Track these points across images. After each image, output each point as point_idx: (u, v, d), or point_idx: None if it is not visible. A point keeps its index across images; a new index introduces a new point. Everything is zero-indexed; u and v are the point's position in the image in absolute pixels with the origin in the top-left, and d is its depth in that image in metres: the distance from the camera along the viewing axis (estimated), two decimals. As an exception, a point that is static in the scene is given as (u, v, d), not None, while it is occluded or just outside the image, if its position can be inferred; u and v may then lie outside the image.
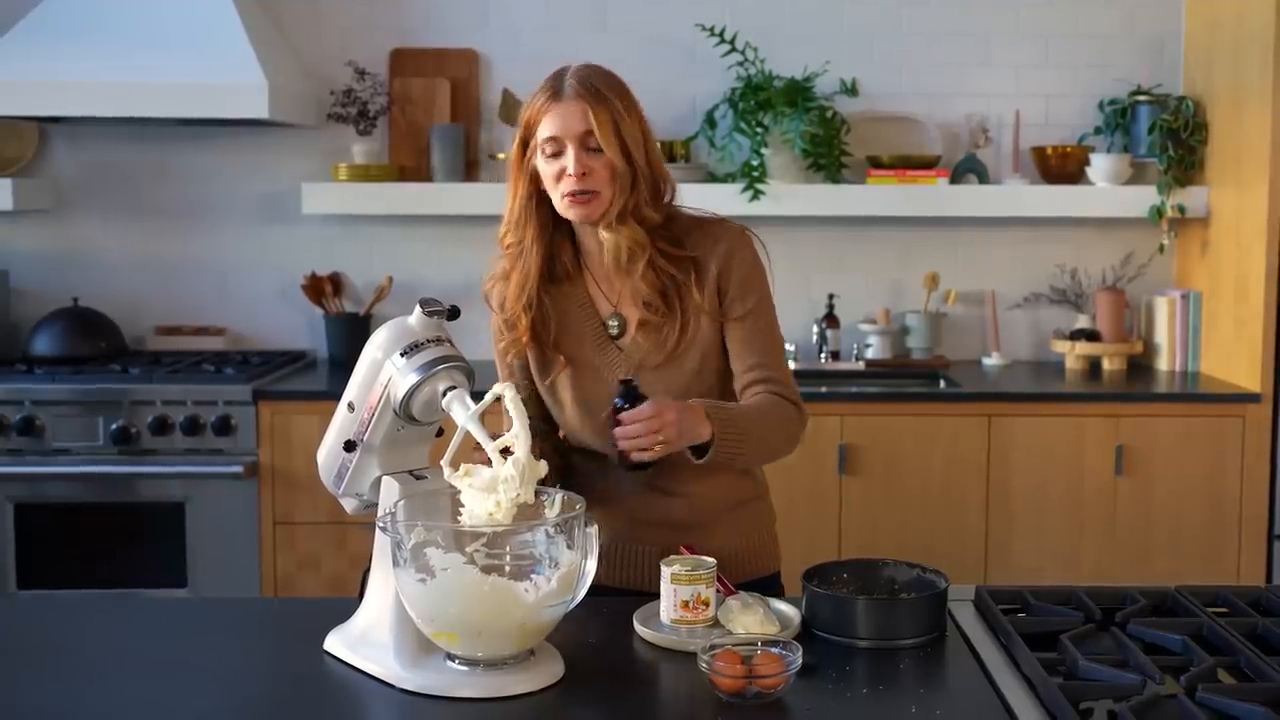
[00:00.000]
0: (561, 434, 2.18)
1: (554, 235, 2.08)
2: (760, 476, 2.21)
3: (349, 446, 1.78)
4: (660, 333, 2.06)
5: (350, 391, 1.80)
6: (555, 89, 1.99)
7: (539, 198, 2.05)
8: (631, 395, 1.93)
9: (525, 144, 2.03)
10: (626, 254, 2.02)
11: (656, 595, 1.90)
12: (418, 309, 1.76)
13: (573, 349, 2.09)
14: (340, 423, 1.81)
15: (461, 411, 1.70)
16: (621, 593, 2.08)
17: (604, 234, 2.02)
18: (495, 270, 2.13)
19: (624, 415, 1.90)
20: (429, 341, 1.74)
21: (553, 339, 2.09)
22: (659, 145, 2.09)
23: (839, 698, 1.63)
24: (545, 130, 1.98)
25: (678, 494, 2.09)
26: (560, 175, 1.98)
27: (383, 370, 1.74)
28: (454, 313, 1.76)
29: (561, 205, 2.01)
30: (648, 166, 2.02)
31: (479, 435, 1.68)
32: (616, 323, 2.09)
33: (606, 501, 2.10)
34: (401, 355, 1.72)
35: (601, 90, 1.98)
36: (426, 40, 4.22)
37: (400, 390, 1.72)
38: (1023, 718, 1.54)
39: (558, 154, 1.98)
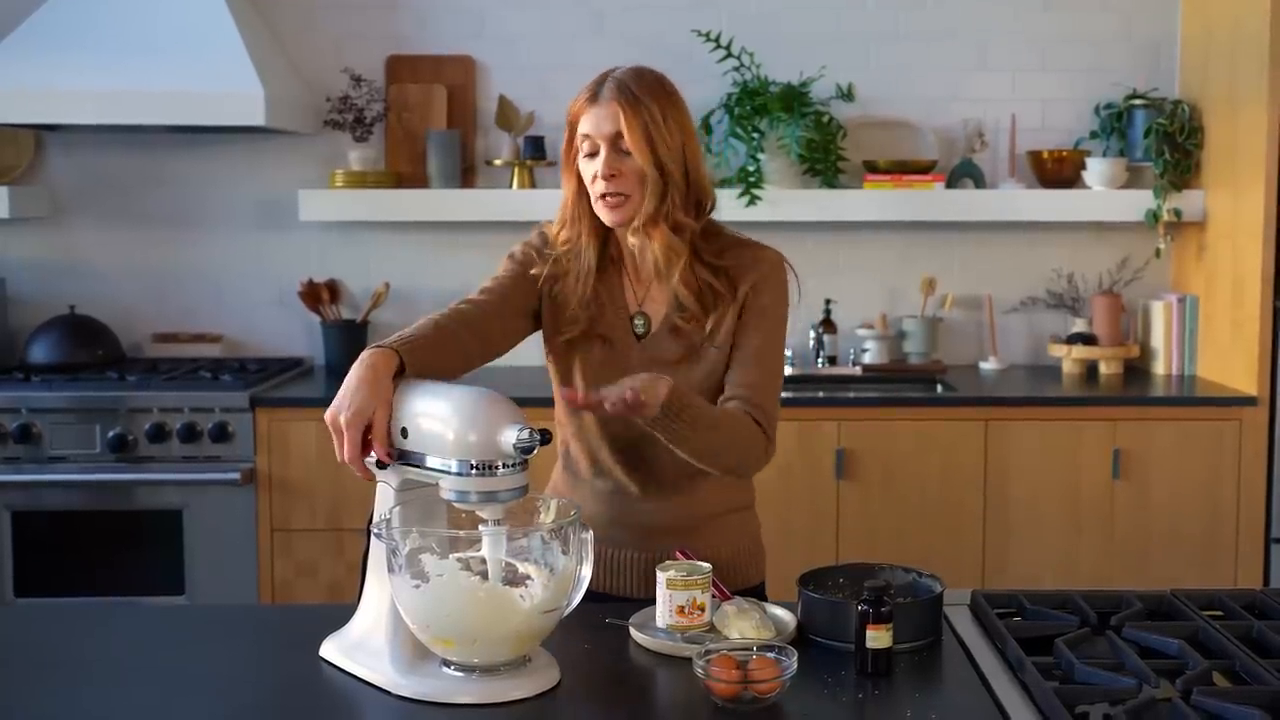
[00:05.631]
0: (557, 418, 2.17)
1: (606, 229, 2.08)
2: (750, 486, 2.19)
3: (380, 465, 1.74)
4: (685, 336, 2.06)
5: (409, 420, 1.71)
6: (595, 90, 2.01)
7: (588, 194, 2.06)
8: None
9: (571, 140, 2.05)
10: (663, 260, 2.02)
11: (635, 599, 1.89)
12: (513, 431, 1.64)
13: (598, 329, 2.09)
14: (388, 430, 1.75)
15: (491, 549, 1.66)
16: (602, 598, 2.05)
17: (632, 239, 2.03)
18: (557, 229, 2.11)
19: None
20: (505, 466, 1.65)
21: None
22: (704, 156, 2.08)
23: (834, 702, 1.63)
24: (582, 129, 2.01)
25: (663, 499, 2.08)
26: (595, 176, 2.00)
27: (446, 461, 1.66)
28: (545, 440, 1.67)
29: (596, 206, 2.03)
30: (683, 176, 2.01)
31: (493, 573, 1.65)
32: (641, 322, 2.09)
33: (589, 505, 2.09)
34: (473, 468, 1.65)
35: (638, 95, 1.98)
36: (423, 47, 4.22)
37: (451, 495, 1.67)
38: (1018, 722, 1.55)
39: (593, 154, 2.00)
